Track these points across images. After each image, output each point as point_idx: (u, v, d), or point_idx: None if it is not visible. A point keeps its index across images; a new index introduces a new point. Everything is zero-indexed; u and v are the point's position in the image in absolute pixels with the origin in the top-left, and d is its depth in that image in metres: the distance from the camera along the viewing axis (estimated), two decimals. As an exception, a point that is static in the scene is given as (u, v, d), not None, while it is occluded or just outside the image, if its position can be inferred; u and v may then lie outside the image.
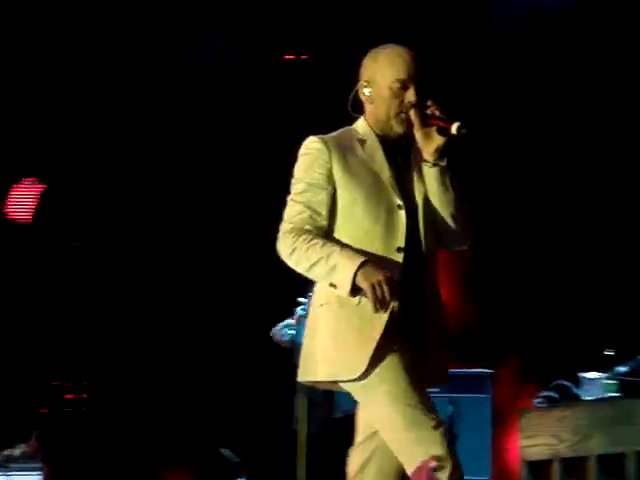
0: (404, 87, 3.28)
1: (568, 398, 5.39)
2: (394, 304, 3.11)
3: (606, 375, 5.18)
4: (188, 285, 7.25)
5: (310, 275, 3.21)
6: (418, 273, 3.23)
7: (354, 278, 3.10)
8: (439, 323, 3.24)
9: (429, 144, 3.25)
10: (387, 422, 3.12)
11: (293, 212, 3.25)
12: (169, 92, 7.17)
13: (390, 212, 3.23)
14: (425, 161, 3.28)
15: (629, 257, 6.38)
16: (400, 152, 3.34)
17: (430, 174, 3.27)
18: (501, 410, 6.19)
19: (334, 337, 3.18)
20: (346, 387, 3.21)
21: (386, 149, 3.31)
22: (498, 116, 6.55)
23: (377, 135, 3.33)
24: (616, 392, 5.12)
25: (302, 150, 3.30)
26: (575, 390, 5.38)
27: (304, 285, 4.77)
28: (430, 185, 3.28)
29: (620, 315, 6.23)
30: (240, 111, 7.17)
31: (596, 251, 6.46)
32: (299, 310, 4.83)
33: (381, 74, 3.30)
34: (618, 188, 6.42)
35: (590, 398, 5.16)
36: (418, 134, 3.26)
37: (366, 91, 3.33)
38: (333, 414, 4.56)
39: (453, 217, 3.31)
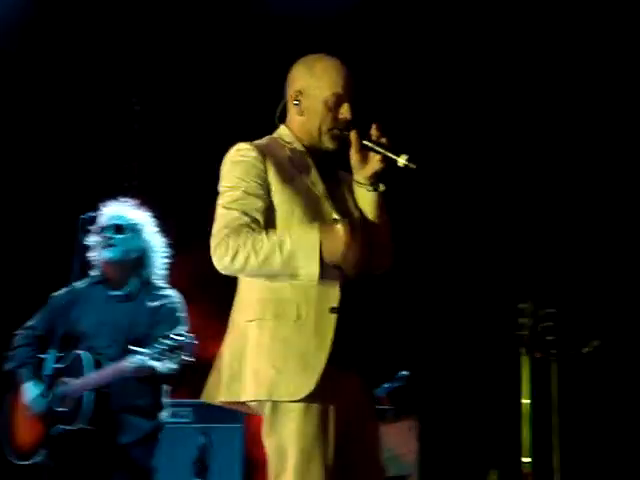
0: (339, 102, 3.15)
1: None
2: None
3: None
4: None
5: (263, 271, 2.98)
6: (356, 290, 3.09)
7: (321, 254, 2.93)
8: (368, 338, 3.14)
9: (366, 168, 3.14)
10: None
11: (229, 219, 3.02)
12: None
13: None
14: (359, 183, 3.16)
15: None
16: (327, 165, 3.21)
17: (366, 197, 3.16)
18: (253, 440, 6.25)
19: (270, 355, 2.97)
20: (265, 406, 3.00)
21: (314, 161, 3.17)
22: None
23: (305, 146, 3.18)
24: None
25: (234, 157, 3.11)
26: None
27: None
28: (365, 207, 3.17)
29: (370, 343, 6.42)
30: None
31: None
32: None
33: (316, 86, 3.16)
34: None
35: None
36: (355, 156, 3.13)
37: (297, 102, 3.18)
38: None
39: (383, 242, 3.20)
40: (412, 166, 3.06)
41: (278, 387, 2.96)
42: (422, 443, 4.80)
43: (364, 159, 3.14)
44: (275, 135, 3.25)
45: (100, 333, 4.45)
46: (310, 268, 2.95)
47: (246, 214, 3.03)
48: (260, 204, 3.06)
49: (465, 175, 2.92)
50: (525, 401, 4.70)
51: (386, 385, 5.47)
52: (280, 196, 3.08)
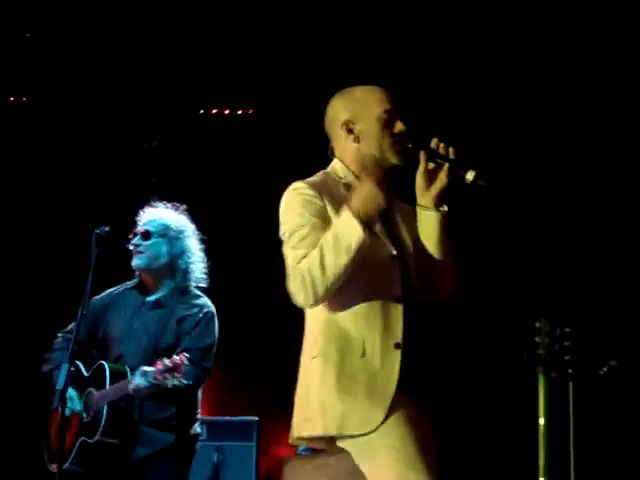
0: (391, 118, 3.14)
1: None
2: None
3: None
4: None
5: (329, 272, 2.94)
6: (416, 322, 3.09)
7: (359, 220, 2.92)
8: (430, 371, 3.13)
9: (431, 189, 3.10)
10: None
11: (300, 256, 2.99)
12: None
13: (385, 261, 3.07)
14: (422, 207, 3.12)
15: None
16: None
17: (430, 220, 3.12)
18: (266, 458, 6.23)
19: (338, 390, 2.98)
20: (345, 443, 3.01)
21: None
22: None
23: (359, 179, 3.12)
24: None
25: (292, 197, 3.09)
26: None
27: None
28: (429, 231, 3.12)
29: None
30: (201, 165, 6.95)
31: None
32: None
33: (364, 109, 3.16)
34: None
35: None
36: (421, 177, 3.10)
37: (350, 130, 3.16)
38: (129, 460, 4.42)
39: (445, 266, 3.16)
40: (481, 183, 3.03)
41: (347, 422, 2.97)
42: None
43: (430, 180, 3.11)
44: (329, 170, 3.23)
45: (130, 340, 4.45)
46: (354, 233, 2.93)
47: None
48: None
49: (484, 191, 2.89)
50: (541, 421, 4.66)
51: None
52: None
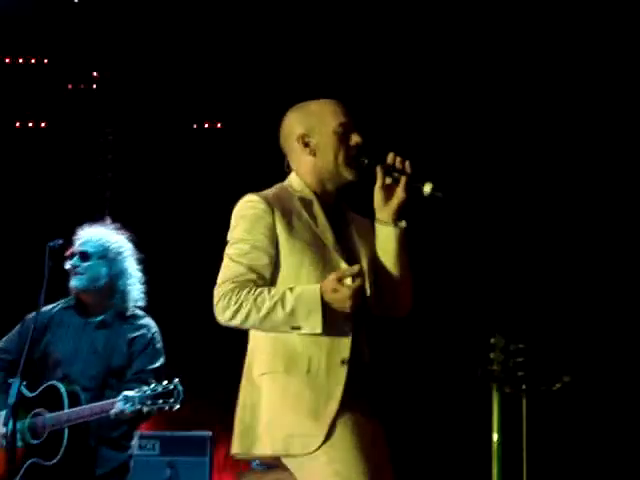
0: (347, 130, 3.13)
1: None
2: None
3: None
4: None
5: (265, 326, 2.97)
6: (363, 338, 3.07)
7: (324, 315, 2.91)
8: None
9: (390, 203, 3.09)
10: None
11: (235, 273, 3.00)
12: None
13: None
14: (381, 221, 3.12)
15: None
16: (336, 209, 3.18)
17: (389, 236, 3.11)
18: (220, 472, 6.19)
19: (283, 409, 2.96)
20: (290, 462, 2.96)
21: (323, 207, 3.14)
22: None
23: (315, 192, 3.14)
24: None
25: (243, 209, 3.08)
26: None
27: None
28: (387, 246, 3.11)
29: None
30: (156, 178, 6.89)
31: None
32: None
33: (320, 122, 3.15)
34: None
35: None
36: (379, 193, 3.09)
37: (306, 143, 3.14)
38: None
39: (402, 281, 3.14)
40: (438, 195, 3.03)
41: (293, 442, 2.94)
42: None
43: (388, 195, 3.11)
44: (285, 183, 3.22)
45: (76, 360, 4.34)
46: (312, 324, 2.95)
47: (253, 270, 3.02)
48: (267, 260, 3.05)
49: (441, 203, 2.89)
50: (495, 436, 4.68)
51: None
52: (289, 247, 3.05)
